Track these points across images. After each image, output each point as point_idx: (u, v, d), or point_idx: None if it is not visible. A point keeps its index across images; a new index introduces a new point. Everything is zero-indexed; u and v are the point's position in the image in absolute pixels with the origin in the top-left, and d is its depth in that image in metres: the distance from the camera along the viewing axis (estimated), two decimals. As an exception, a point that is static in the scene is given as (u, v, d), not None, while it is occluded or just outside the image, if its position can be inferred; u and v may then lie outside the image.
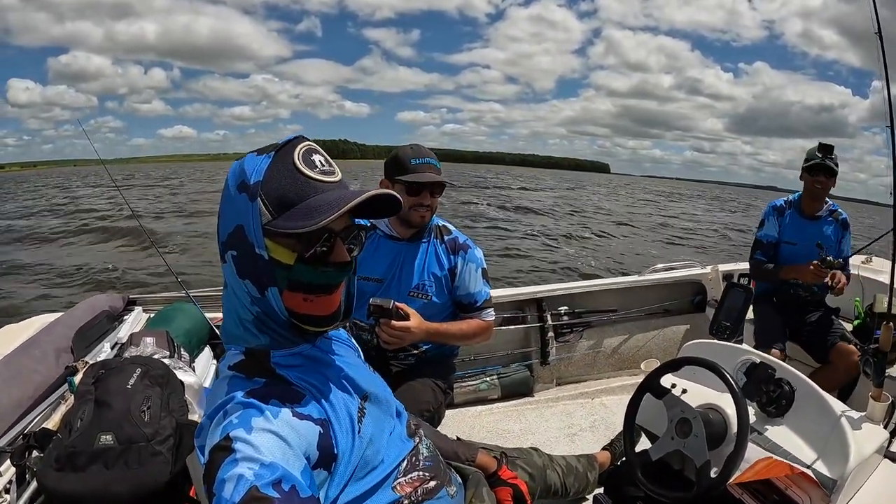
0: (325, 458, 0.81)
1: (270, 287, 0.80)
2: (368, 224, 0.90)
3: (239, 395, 0.77)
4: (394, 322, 1.54)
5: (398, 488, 0.95)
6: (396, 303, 1.56)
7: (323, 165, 0.81)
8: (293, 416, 0.78)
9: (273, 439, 0.72)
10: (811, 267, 2.46)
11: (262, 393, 0.79)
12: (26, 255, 11.47)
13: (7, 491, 1.23)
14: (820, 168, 2.55)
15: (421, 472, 1.01)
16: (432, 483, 1.02)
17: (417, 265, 1.81)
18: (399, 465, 0.98)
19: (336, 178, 0.82)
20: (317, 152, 0.82)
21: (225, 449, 0.70)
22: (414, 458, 1.02)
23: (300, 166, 0.79)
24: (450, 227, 1.90)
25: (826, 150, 2.57)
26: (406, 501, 0.95)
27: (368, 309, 1.54)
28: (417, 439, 1.07)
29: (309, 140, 0.83)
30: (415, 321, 1.59)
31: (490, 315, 1.87)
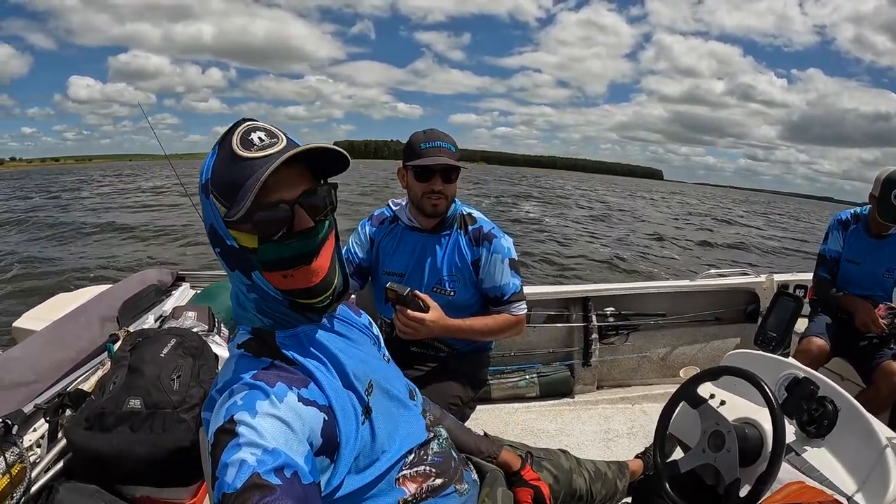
0: (329, 445, 0.81)
1: (253, 272, 0.81)
2: (335, 183, 0.88)
3: (246, 375, 0.78)
4: (409, 311, 1.47)
5: (401, 482, 0.93)
6: (417, 292, 1.49)
7: (262, 141, 0.78)
8: (298, 400, 0.78)
9: (277, 424, 0.72)
10: (876, 312, 2.28)
11: (268, 375, 0.79)
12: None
13: (38, 445, 1.30)
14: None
15: (427, 468, 0.99)
16: (438, 480, 1.00)
17: (439, 259, 1.72)
18: (405, 457, 0.96)
19: (276, 149, 0.77)
20: (258, 129, 0.79)
21: (229, 432, 0.70)
22: (423, 452, 1.00)
23: (237, 150, 0.76)
24: (475, 214, 1.79)
25: None
26: (409, 498, 0.93)
27: (385, 294, 1.48)
28: (432, 434, 1.05)
29: (252, 119, 0.81)
30: (433, 315, 1.51)
31: (520, 309, 1.75)
